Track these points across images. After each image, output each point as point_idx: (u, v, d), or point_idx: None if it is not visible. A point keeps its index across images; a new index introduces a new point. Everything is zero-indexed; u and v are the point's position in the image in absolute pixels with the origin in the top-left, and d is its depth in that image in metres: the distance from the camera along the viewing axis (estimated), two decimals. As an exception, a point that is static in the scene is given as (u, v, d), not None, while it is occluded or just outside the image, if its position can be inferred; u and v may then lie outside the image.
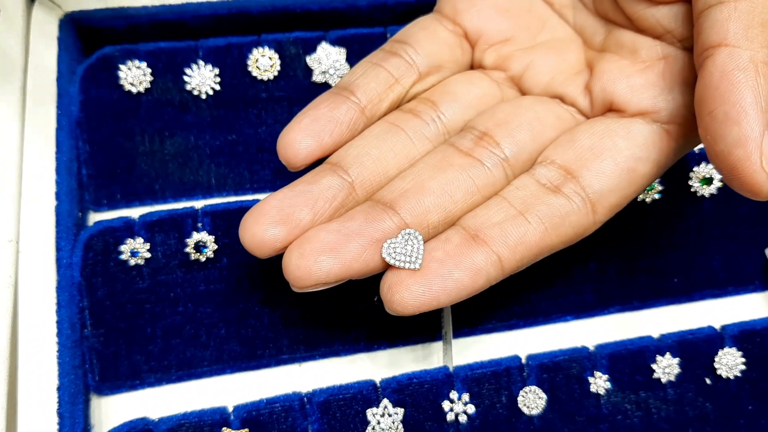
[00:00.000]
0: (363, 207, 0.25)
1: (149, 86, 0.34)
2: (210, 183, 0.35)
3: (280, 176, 0.35)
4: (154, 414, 0.30)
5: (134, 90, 0.34)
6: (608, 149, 0.26)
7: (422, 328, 0.33)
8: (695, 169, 0.35)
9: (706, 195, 0.35)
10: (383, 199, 0.26)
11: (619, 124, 0.26)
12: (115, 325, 0.31)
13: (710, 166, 0.35)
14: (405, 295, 0.23)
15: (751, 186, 0.22)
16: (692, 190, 0.35)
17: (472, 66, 0.31)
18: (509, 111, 0.28)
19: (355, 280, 0.25)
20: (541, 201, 0.25)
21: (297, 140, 0.26)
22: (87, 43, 0.37)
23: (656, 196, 0.35)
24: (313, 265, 0.23)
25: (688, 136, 0.26)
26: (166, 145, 0.34)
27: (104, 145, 0.34)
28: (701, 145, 0.33)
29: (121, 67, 0.34)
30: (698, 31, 0.23)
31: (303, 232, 0.24)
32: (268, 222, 0.24)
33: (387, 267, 0.24)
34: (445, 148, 0.27)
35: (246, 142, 0.35)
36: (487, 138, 0.27)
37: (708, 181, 0.35)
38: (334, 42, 0.35)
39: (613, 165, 0.25)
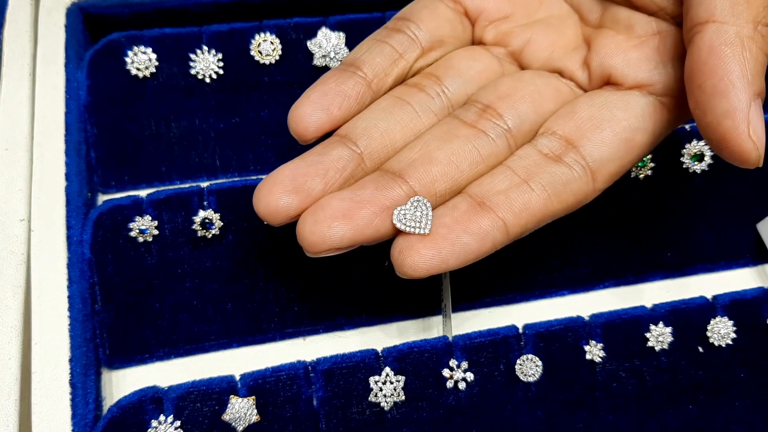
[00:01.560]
0: (373, 176, 0.26)
1: (155, 71, 0.35)
2: (215, 165, 0.36)
3: (283, 158, 0.36)
4: (165, 385, 0.30)
5: (140, 75, 0.35)
6: (607, 120, 0.27)
7: (423, 302, 0.34)
8: (687, 146, 0.36)
9: (698, 171, 0.36)
10: (392, 168, 0.26)
11: (617, 96, 0.27)
12: (125, 301, 0.32)
13: (702, 142, 0.36)
14: (415, 259, 0.24)
15: (739, 154, 0.23)
16: (684, 166, 0.36)
17: (473, 42, 0.32)
18: (511, 84, 0.29)
19: (365, 247, 0.26)
20: (544, 170, 0.26)
21: (307, 113, 0.27)
22: (93, 31, 0.38)
23: (649, 173, 0.35)
24: (327, 231, 0.24)
25: (682, 107, 0.27)
26: (172, 128, 0.35)
27: (111, 128, 0.35)
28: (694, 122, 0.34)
29: (128, 52, 0.35)
30: (687, 9, 0.25)
31: (314, 201, 0.25)
32: (281, 191, 0.25)
33: (397, 233, 0.25)
34: (450, 121, 0.28)
35: (249, 125, 0.36)
36: (491, 110, 0.28)
37: (699, 157, 0.36)
38: (334, 27, 0.36)
39: (612, 135, 0.26)
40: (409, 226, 0.24)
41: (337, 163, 0.26)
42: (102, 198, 0.35)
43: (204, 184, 0.33)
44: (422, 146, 0.27)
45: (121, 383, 0.32)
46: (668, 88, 0.27)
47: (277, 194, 0.25)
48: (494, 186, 0.26)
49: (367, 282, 0.34)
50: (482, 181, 0.27)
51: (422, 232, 0.24)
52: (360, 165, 0.27)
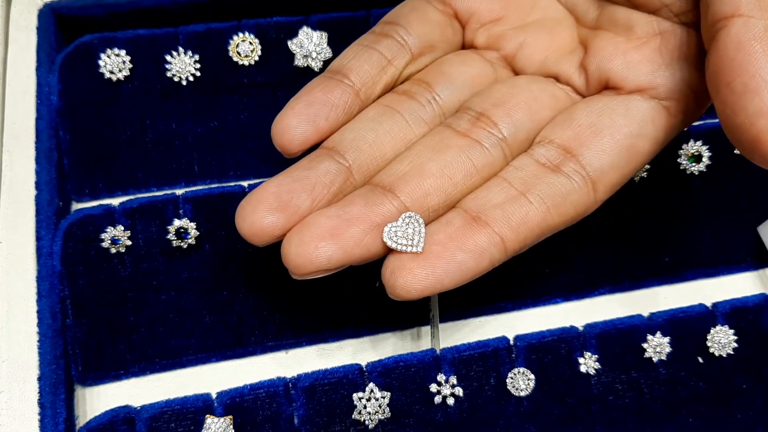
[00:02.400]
0: (362, 191, 0.25)
1: (129, 74, 0.34)
2: (193, 171, 0.34)
3: (264, 162, 0.35)
4: (139, 403, 0.29)
5: (114, 78, 0.33)
6: (607, 127, 0.25)
7: (410, 312, 0.33)
8: (684, 146, 0.35)
9: (696, 173, 0.35)
10: (382, 182, 0.25)
11: (617, 101, 0.26)
12: (98, 314, 0.30)
13: (699, 143, 0.34)
14: (408, 279, 0.23)
15: None
16: (681, 167, 0.35)
17: (464, 46, 0.31)
18: (505, 91, 0.28)
19: (354, 267, 0.24)
20: (542, 181, 0.25)
21: (292, 125, 0.26)
22: (66, 33, 0.36)
23: (644, 175, 0.34)
24: (314, 252, 0.23)
25: (686, 112, 0.26)
26: (148, 133, 0.34)
27: (85, 134, 0.33)
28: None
29: (101, 55, 0.33)
30: (707, 4, 0.23)
31: (302, 219, 0.24)
32: (265, 209, 0.24)
33: (388, 251, 0.24)
34: (442, 130, 0.27)
35: (228, 128, 0.34)
36: (484, 118, 0.27)
37: (697, 158, 0.35)
38: (316, 26, 0.35)
39: (612, 142, 0.25)
40: (401, 244, 0.23)
41: (324, 178, 0.25)
42: (76, 207, 0.33)
43: (179, 192, 0.31)
44: (413, 158, 0.26)
45: (95, 401, 0.31)
46: (671, 92, 0.25)
47: (261, 212, 0.24)
48: (490, 199, 0.25)
49: (352, 291, 0.32)
50: (477, 194, 0.25)
51: (415, 250, 0.23)
52: (349, 179, 0.25)
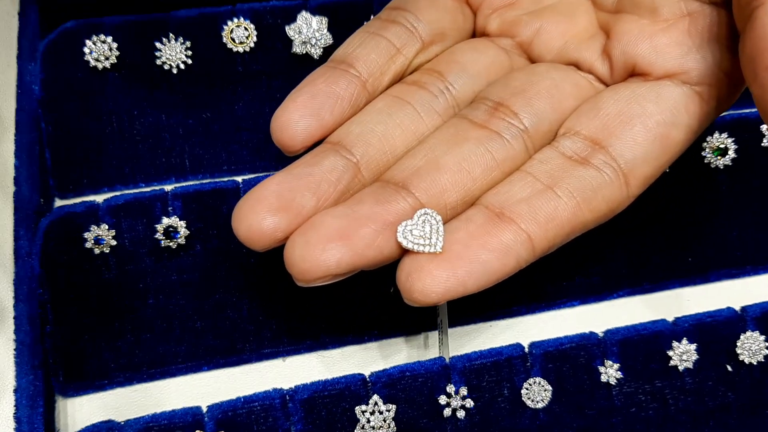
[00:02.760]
0: (372, 188, 0.23)
1: (116, 62, 0.31)
2: (184, 165, 0.32)
3: (260, 156, 0.33)
4: (124, 416, 0.27)
5: (100, 66, 0.31)
6: (637, 115, 0.24)
7: (417, 317, 0.30)
8: (709, 138, 0.32)
9: (721, 166, 0.33)
10: (394, 178, 0.23)
11: (647, 87, 0.24)
12: (80, 320, 0.28)
13: (724, 135, 0.32)
14: (427, 282, 0.21)
15: None
16: (706, 161, 0.32)
17: (476, 33, 0.29)
18: (524, 79, 0.26)
19: (366, 271, 0.22)
20: (570, 174, 0.23)
21: (294, 120, 0.24)
22: (49, 19, 0.34)
23: (666, 169, 0.32)
24: (321, 255, 0.21)
25: (720, 97, 0.24)
26: (136, 125, 0.32)
27: (69, 126, 0.31)
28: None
29: (86, 42, 0.31)
30: None
31: (306, 220, 0.22)
32: (266, 209, 0.21)
33: (403, 253, 0.22)
34: (457, 122, 0.25)
35: (222, 120, 0.32)
36: (503, 108, 0.25)
37: (722, 151, 0.32)
38: (315, 10, 0.33)
39: (644, 132, 0.23)
40: (418, 244, 0.21)
41: (330, 175, 0.23)
42: (59, 204, 0.31)
43: (168, 188, 0.29)
44: (427, 152, 0.24)
45: (77, 413, 0.28)
46: (704, 76, 0.24)
47: (261, 213, 0.21)
48: (514, 194, 0.23)
49: (355, 294, 0.30)
50: (499, 189, 0.23)
51: (433, 250, 0.21)
52: (357, 176, 0.23)
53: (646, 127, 0.23)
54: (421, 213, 0.22)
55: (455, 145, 0.24)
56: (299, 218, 0.22)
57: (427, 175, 0.23)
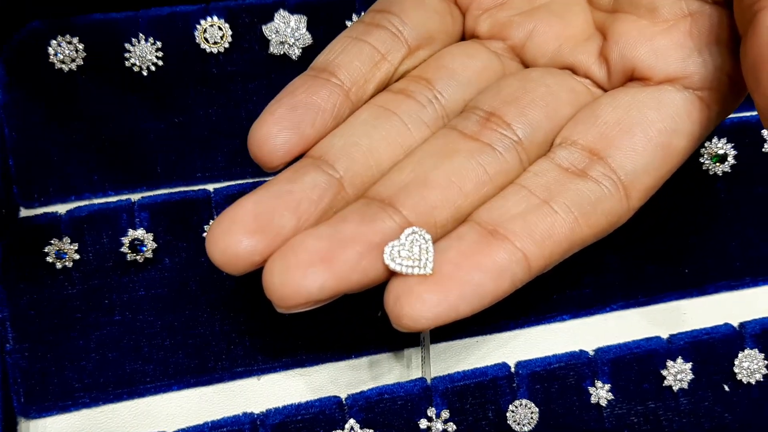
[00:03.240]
0: (357, 206, 0.22)
1: (83, 64, 0.30)
2: (156, 172, 0.30)
3: (236, 163, 0.31)
4: (90, 439, 0.26)
5: (66, 68, 0.30)
6: (638, 123, 0.22)
7: (400, 333, 0.29)
8: (707, 144, 0.31)
9: (719, 174, 0.31)
10: (380, 195, 0.22)
11: (646, 93, 0.23)
12: (42, 338, 0.27)
13: (723, 140, 0.31)
14: (417, 307, 0.19)
15: None
16: (704, 168, 0.31)
17: (465, 36, 0.28)
18: (517, 86, 0.24)
19: (350, 294, 0.21)
20: (567, 187, 0.22)
21: (273, 134, 0.22)
22: (11, 18, 0.32)
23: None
24: (302, 280, 0.19)
25: (724, 102, 0.23)
26: (105, 130, 0.30)
27: (34, 131, 0.30)
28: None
29: (51, 42, 0.30)
30: None
31: (285, 242, 0.20)
32: (242, 231, 0.20)
33: (391, 275, 0.20)
34: (447, 133, 0.24)
35: (196, 124, 0.31)
36: (495, 118, 0.23)
37: (721, 158, 0.31)
38: (294, 9, 0.31)
39: (645, 141, 0.22)
40: (406, 266, 0.20)
41: (311, 193, 0.21)
42: (24, 214, 0.30)
43: (135, 198, 0.28)
44: (415, 166, 0.22)
45: (40, 435, 0.27)
46: (706, 80, 0.22)
47: (236, 235, 0.20)
48: (508, 210, 0.22)
49: (334, 309, 0.28)
50: (492, 204, 0.22)
51: (423, 271, 0.20)
52: (340, 193, 0.22)
53: (647, 136, 0.22)
54: (409, 232, 0.20)
55: (445, 158, 0.22)
56: (278, 240, 0.20)
57: (415, 192, 0.22)
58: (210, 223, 0.28)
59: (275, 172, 0.23)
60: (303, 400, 0.26)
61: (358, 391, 0.26)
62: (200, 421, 0.25)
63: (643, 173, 0.22)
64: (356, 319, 0.28)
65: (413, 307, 0.19)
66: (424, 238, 0.20)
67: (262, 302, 0.28)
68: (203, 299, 0.28)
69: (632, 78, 0.24)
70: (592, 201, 0.22)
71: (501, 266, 0.20)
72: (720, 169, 0.31)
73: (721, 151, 0.31)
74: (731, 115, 0.31)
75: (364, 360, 0.29)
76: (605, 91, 0.25)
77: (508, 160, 0.23)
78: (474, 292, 0.20)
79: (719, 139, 0.31)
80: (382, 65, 0.25)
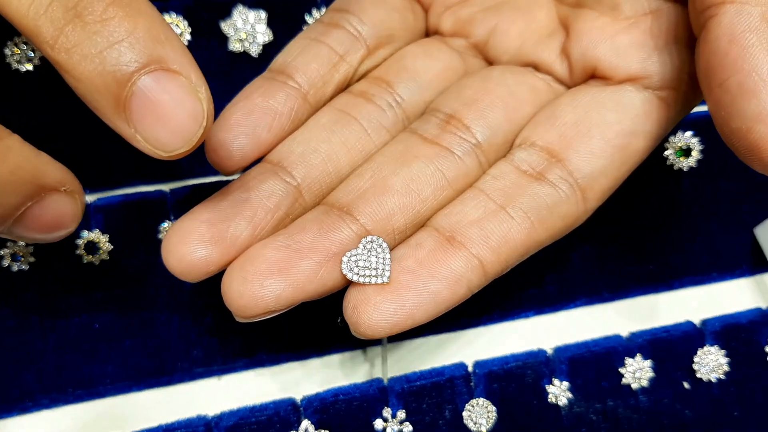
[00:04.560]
0: (315, 214, 0.22)
1: (39, 64, 0.29)
2: (113, 173, 0.30)
3: (198, 162, 0.31)
4: (50, 440, 0.26)
5: (22, 69, 0.29)
6: (596, 125, 0.22)
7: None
8: (671, 139, 0.31)
9: (684, 168, 0.31)
10: (338, 202, 0.22)
11: (606, 93, 0.23)
12: (0, 341, 0.27)
13: (688, 134, 0.30)
14: (374, 316, 0.20)
15: None
16: (668, 162, 0.31)
17: (428, 33, 0.27)
18: (477, 87, 0.24)
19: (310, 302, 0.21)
20: (524, 191, 0.22)
21: (228, 140, 0.22)
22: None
23: (626, 173, 0.30)
24: (260, 291, 0.20)
25: (684, 101, 0.23)
26: (60, 129, 0.30)
27: (-8, 132, 0.29)
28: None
29: (7, 42, 0.29)
30: None
31: (241, 251, 0.21)
32: (196, 241, 0.20)
33: (350, 282, 0.21)
34: (407, 137, 0.24)
35: (156, 123, 0.30)
36: (455, 121, 0.23)
37: (686, 152, 0.31)
38: (252, 4, 0.31)
39: (603, 143, 0.22)
40: (364, 276, 0.20)
41: (267, 201, 0.21)
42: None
43: (90, 199, 0.27)
44: (374, 172, 0.22)
45: (1, 437, 0.27)
46: (667, 80, 0.22)
47: (191, 245, 0.20)
48: (465, 215, 0.22)
49: (293, 310, 0.28)
50: (451, 209, 0.22)
51: (380, 281, 0.20)
52: (297, 200, 0.22)
53: (605, 139, 0.22)
54: (367, 241, 0.21)
55: (404, 164, 0.22)
56: (233, 249, 0.21)
57: (373, 199, 0.22)
58: (166, 224, 0.27)
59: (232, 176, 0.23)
60: (264, 400, 0.26)
61: (315, 392, 0.26)
62: (160, 423, 0.25)
63: (601, 175, 0.22)
64: (316, 321, 0.28)
65: (371, 315, 0.20)
66: (381, 247, 0.20)
67: (221, 303, 0.28)
68: (161, 300, 0.27)
69: (593, 76, 0.24)
70: (549, 205, 0.22)
71: (457, 274, 0.20)
72: (685, 163, 0.31)
73: (685, 146, 0.30)
74: (696, 109, 0.31)
75: (324, 359, 0.29)
76: (567, 87, 0.25)
77: (467, 163, 0.23)
78: (430, 300, 0.20)
79: (684, 133, 0.30)
80: (341, 66, 0.25)
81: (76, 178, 0.21)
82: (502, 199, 0.22)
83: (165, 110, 0.18)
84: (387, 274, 0.20)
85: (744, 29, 0.18)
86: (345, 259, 0.20)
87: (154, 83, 0.17)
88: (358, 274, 0.20)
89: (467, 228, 0.21)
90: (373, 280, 0.20)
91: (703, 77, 0.20)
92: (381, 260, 0.20)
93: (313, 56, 0.24)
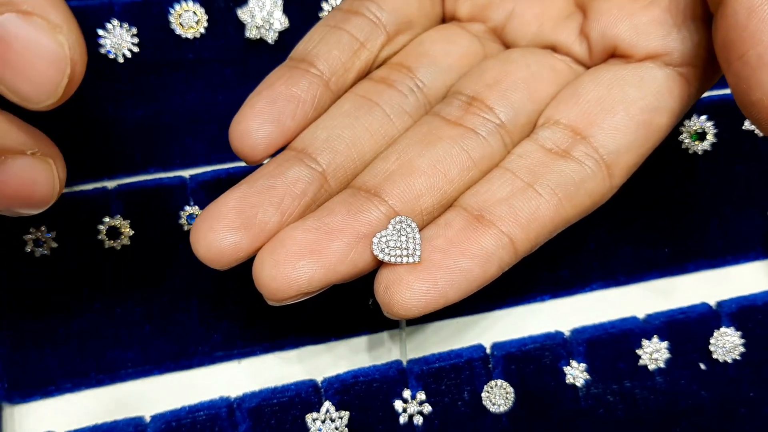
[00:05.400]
0: (343, 197, 0.22)
1: (58, 51, 0.30)
2: (134, 160, 0.30)
3: (214, 149, 0.31)
4: (72, 423, 0.26)
5: (42, 56, 0.30)
6: (619, 101, 0.23)
7: (378, 317, 0.29)
8: (686, 122, 0.31)
9: (699, 152, 0.31)
10: (365, 185, 0.22)
11: (628, 70, 0.23)
12: (23, 326, 0.27)
13: (703, 118, 0.31)
14: (407, 296, 0.20)
15: None
16: (683, 146, 0.31)
17: (445, 19, 0.28)
18: (498, 69, 0.24)
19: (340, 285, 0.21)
20: (550, 169, 0.22)
21: (253, 128, 0.22)
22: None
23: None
24: (292, 273, 0.20)
25: (704, 78, 0.23)
26: (80, 119, 0.30)
27: (11, 120, 0.30)
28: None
29: (26, 30, 0.29)
30: None
31: (269, 237, 0.21)
32: (226, 227, 0.20)
33: (381, 264, 0.21)
34: (430, 120, 0.24)
35: (173, 110, 0.31)
36: (477, 103, 0.24)
37: (701, 136, 0.31)
38: (269, -8, 0.31)
39: (627, 119, 0.22)
40: (394, 255, 0.20)
41: (294, 188, 0.21)
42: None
43: (111, 185, 0.28)
44: (400, 154, 0.23)
45: (25, 420, 0.27)
46: (687, 57, 0.22)
47: (220, 232, 0.20)
48: (493, 194, 0.22)
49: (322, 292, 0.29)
50: (478, 188, 0.22)
51: (411, 260, 0.20)
52: (323, 186, 0.22)
53: (629, 114, 0.22)
54: (396, 221, 0.21)
55: (429, 145, 0.23)
56: (262, 235, 0.21)
57: (400, 180, 0.22)
58: (185, 209, 0.28)
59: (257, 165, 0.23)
60: (282, 383, 0.26)
61: (336, 374, 0.26)
62: (183, 404, 0.26)
63: (626, 151, 0.22)
64: (334, 305, 0.29)
65: (403, 295, 0.20)
66: (410, 227, 0.21)
67: (240, 287, 0.28)
68: (182, 286, 0.28)
69: (613, 55, 0.24)
70: (576, 182, 0.22)
71: (488, 252, 0.21)
72: (700, 147, 0.31)
73: (700, 130, 0.31)
74: (711, 92, 0.31)
75: (343, 343, 0.29)
76: (587, 68, 0.25)
77: (491, 143, 0.23)
78: (462, 278, 0.20)
79: (699, 117, 0.31)
80: (362, 53, 0.25)
81: (53, 143, 0.20)
82: (528, 176, 0.22)
83: (17, 58, 0.16)
84: (418, 253, 0.20)
85: (763, 1, 0.18)
86: (375, 240, 0.20)
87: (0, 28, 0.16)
88: (389, 254, 0.20)
89: (496, 206, 0.21)
90: (405, 260, 0.20)
91: (721, 51, 0.20)
92: (411, 240, 0.20)
93: (334, 43, 0.24)
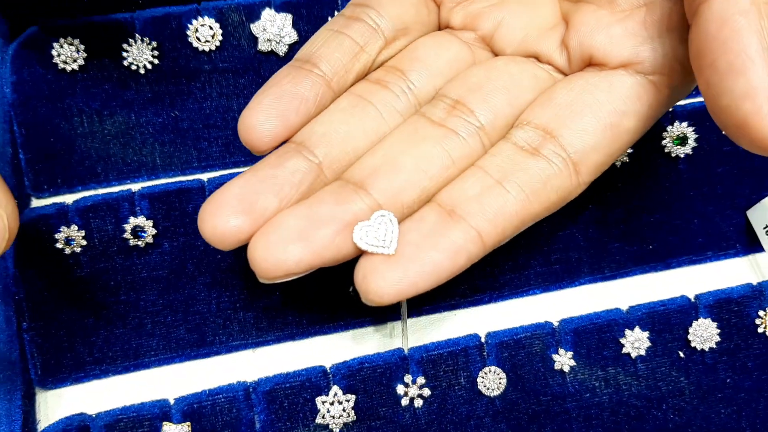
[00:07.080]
0: (332, 188, 0.24)
1: (84, 64, 0.32)
2: (155, 163, 0.33)
3: (228, 152, 0.33)
4: (101, 407, 0.28)
5: (68, 68, 0.32)
6: (588, 105, 0.24)
7: (382, 308, 0.31)
8: (669, 128, 0.33)
9: (681, 155, 0.33)
10: (353, 178, 0.24)
11: (600, 77, 0.25)
12: (55, 317, 0.29)
13: (684, 124, 0.33)
14: (381, 284, 0.22)
15: (761, 141, 0.20)
16: (666, 150, 0.33)
17: (440, 27, 0.29)
18: (482, 75, 0.26)
19: (331, 266, 0.23)
20: (520, 167, 0.24)
21: (260, 122, 0.24)
22: (15, 21, 0.34)
23: (626, 159, 0.32)
24: (282, 255, 0.22)
25: (675, 86, 0.24)
26: (106, 124, 0.32)
27: (40, 127, 0.32)
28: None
29: (54, 44, 0.32)
30: None
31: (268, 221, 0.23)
32: (229, 212, 0.22)
33: (361, 253, 0.23)
34: (416, 120, 0.26)
35: (191, 117, 0.33)
36: (461, 106, 0.25)
37: (682, 140, 0.33)
38: (279, 7, 0.33)
39: (594, 121, 0.24)
40: (373, 246, 0.22)
41: (293, 177, 0.24)
42: (35, 204, 0.32)
43: (136, 187, 0.30)
44: (386, 151, 0.24)
45: (56, 404, 0.30)
46: (658, 66, 0.24)
47: (225, 216, 0.22)
48: (465, 191, 0.24)
49: (319, 286, 0.31)
50: (452, 186, 0.24)
51: (387, 251, 0.22)
52: (319, 176, 0.24)
53: (597, 117, 0.24)
54: (378, 215, 0.23)
55: (413, 144, 0.24)
56: (262, 220, 0.23)
57: (384, 175, 0.24)
58: (204, 209, 0.30)
59: (248, 151, 0.25)
60: (294, 369, 0.29)
61: (343, 360, 0.28)
62: (203, 388, 0.28)
63: (592, 151, 0.24)
64: (340, 297, 0.31)
65: (378, 284, 0.22)
66: (390, 221, 0.22)
67: (254, 282, 0.30)
68: (200, 279, 0.30)
69: (590, 64, 0.25)
70: (542, 179, 0.24)
71: (457, 245, 0.22)
72: (682, 151, 0.33)
73: (682, 135, 0.33)
74: (692, 100, 0.33)
75: (349, 333, 0.31)
76: (566, 76, 0.26)
77: (470, 144, 0.25)
78: (432, 269, 0.22)
79: (680, 123, 0.33)
80: (361, 56, 0.27)
81: (8, 191, 0.23)
82: (499, 174, 0.24)
83: None
84: (394, 246, 0.22)
85: (734, 12, 0.20)
86: (357, 228, 0.22)
87: None
88: (368, 243, 0.22)
89: (467, 202, 0.23)
90: (381, 250, 0.22)
91: (694, 59, 0.21)
92: (389, 233, 0.22)
93: (336, 46, 0.26)
